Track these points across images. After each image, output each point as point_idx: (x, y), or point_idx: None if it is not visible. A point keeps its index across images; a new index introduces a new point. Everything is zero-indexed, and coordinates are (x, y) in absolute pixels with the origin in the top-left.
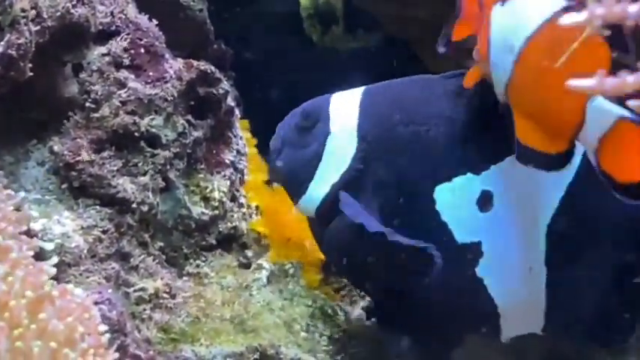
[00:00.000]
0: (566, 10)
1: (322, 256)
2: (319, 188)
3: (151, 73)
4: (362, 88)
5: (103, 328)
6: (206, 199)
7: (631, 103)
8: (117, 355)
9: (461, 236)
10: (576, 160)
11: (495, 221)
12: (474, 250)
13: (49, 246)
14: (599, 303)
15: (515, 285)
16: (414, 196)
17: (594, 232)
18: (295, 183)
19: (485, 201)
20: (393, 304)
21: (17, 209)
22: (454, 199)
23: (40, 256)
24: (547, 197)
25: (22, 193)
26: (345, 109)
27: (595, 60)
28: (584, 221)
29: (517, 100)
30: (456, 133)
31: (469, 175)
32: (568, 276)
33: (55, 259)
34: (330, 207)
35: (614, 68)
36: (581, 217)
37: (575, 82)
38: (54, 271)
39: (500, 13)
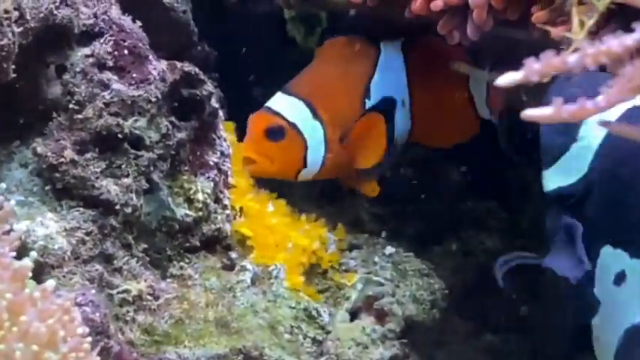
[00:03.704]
0: None
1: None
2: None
3: (134, 75)
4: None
5: (85, 330)
6: (190, 201)
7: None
8: (99, 358)
9: None
10: None
11: None
12: None
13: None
14: None
15: None
16: None
17: None
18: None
19: None
20: None
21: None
22: None
23: (21, 255)
24: None
25: (4, 185)
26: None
27: None
28: None
29: None
30: None
31: None
32: None
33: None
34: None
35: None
36: None
37: (529, 112)
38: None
39: None
